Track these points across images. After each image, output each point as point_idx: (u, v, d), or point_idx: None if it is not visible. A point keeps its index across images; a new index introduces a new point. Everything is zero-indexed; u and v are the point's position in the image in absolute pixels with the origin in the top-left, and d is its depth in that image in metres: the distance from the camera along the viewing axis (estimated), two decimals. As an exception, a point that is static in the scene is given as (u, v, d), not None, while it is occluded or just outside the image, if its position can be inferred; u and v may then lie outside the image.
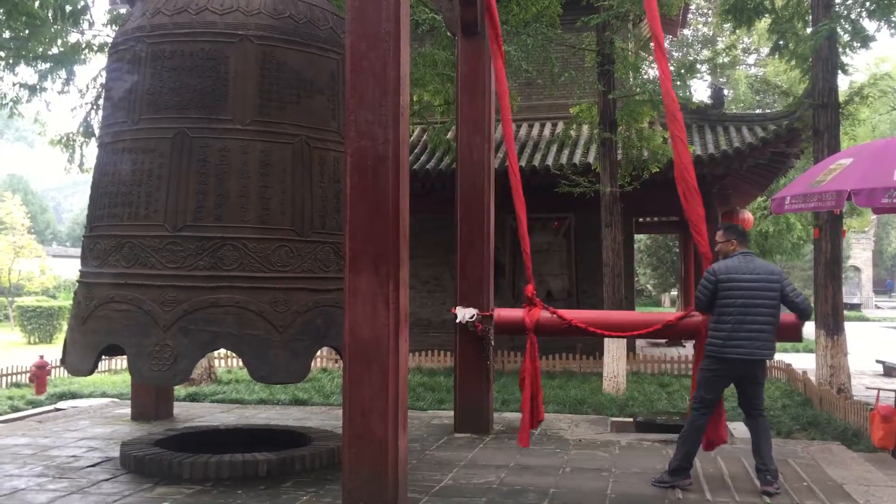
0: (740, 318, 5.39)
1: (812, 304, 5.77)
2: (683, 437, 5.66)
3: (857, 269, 51.79)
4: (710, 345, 5.52)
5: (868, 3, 10.34)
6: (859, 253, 51.57)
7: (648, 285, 38.15)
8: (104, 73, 7.47)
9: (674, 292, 35.53)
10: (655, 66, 14.30)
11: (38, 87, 10.37)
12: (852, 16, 10.62)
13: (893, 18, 10.39)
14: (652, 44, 6.35)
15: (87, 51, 10.63)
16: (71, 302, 6.63)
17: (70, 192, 70.06)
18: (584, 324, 6.16)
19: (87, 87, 11.22)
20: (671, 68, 11.85)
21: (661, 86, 6.14)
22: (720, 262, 5.58)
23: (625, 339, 11.37)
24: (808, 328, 14.34)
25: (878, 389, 8.39)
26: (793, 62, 11.77)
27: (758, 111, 22.92)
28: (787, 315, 5.65)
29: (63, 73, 10.48)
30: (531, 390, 6.32)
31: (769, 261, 27.68)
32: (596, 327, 6.22)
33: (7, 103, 10.75)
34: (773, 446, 5.68)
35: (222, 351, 12.67)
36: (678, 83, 11.89)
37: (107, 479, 5.79)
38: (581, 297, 15.17)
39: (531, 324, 6.29)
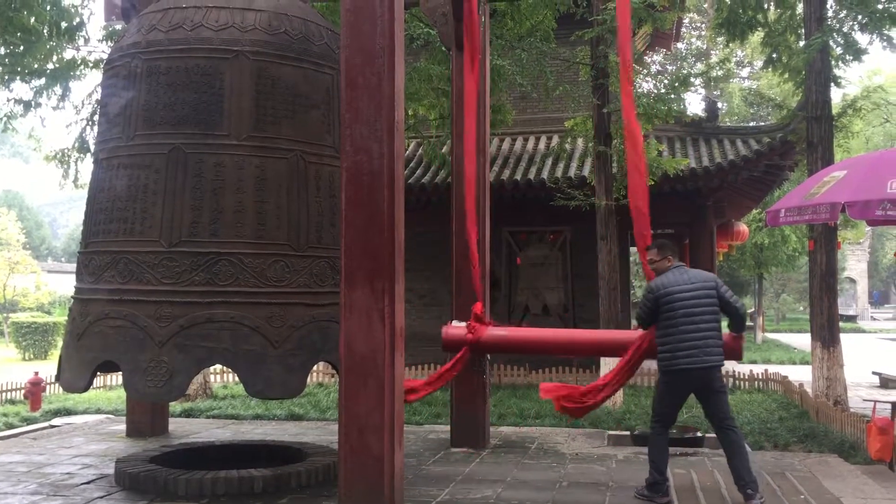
0: (684, 328, 5.46)
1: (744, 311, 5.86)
2: (650, 453, 5.74)
3: (852, 280, 51.94)
4: (661, 359, 5.59)
5: (860, 17, 10.41)
6: (854, 264, 51.73)
7: (644, 298, 38.12)
8: (99, 89, 7.48)
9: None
10: (649, 79, 14.34)
11: (33, 102, 10.38)
12: (845, 29, 10.69)
13: (885, 32, 10.47)
14: (620, 67, 6.38)
15: (82, 66, 10.65)
16: (66, 318, 6.61)
17: (66, 207, 69.99)
18: (528, 341, 6.31)
19: (83, 103, 11.25)
20: (665, 81, 11.91)
21: (623, 113, 6.20)
22: (657, 279, 5.66)
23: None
24: (805, 340, 14.38)
25: (875, 401, 8.38)
26: (786, 75, 11.84)
27: (752, 124, 22.99)
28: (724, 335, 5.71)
29: (58, 89, 10.50)
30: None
31: (765, 273, 27.72)
32: (543, 344, 6.33)
33: (2, 118, 10.75)
34: (770, 459, 5.67)
35: (218, 366, 12.61)
36: (672, 96, 11.95)
37: (101, 497, 5.76)
38: (577, 310, 15.16)
39: (473, 341, 6.42)
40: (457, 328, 6.98)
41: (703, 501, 5.61)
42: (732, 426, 5.61)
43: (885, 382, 14.65)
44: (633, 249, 26.22)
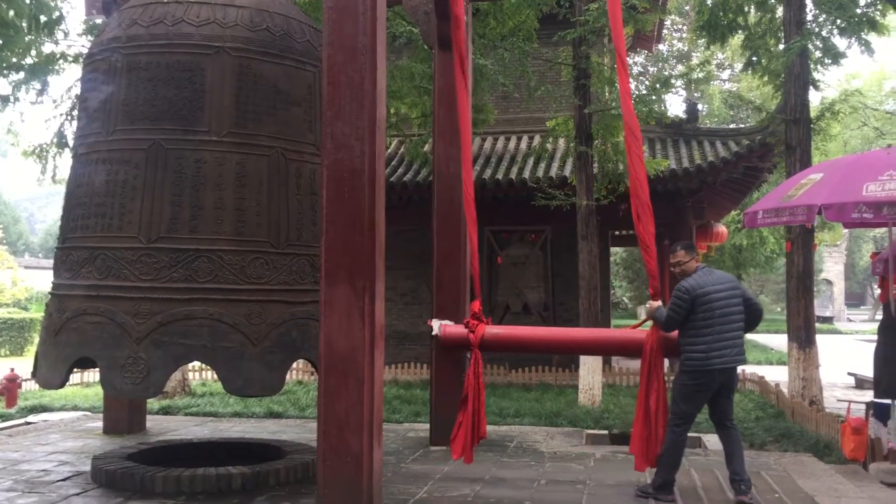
0: (720, 328, 5.47)
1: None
2: (666, 454, 5.63)
3: (829, 282, 52.45)
4: (691, 359, 5.52)
5: (839, 21, 10.51)
6: (832, 266, 52.25)
7: (624, 298, 38.39)
8: (79, 84, 7.42)
9: (649, 305, 35.72)
10: (630, 80, 14.43)
11: (11, 97, 10.27)
12: (823, 33, 10.79)
13: (863, 36, 10.58)
14: (616, 59, 6.37)
15: (61, 61, 10.55)
16: (43, 314, 6.55)
17: (43, 202, 69.40)
18: (528, 340, 6.19)
19: (62, 98, 11.15)
20: (647, 83, 11.98)
21: (622, 101, 6.16)
22: (690, 279, 5.59)
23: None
24: (782, 341, 14.52)
25: (850, 402, 8.48)
26: (765, 78, 11.93)
27: (731, 126, 23.18)
28: None
29: (37, 84, 10.38)
30: (473, 406, 6.24)
31: (743, 274, 28.02)
32: (543, 343, 6.25)
33: (-21, 113, 10.62)
34: (745, 458, 5.73)
35: (196, 363, 12.57)
36: (653, 98, 12.03)
37: (77, 494, 5.72)
38: (558, 309, 15.23)
39: (476, 340, 6.35)
40: (455, 327, 6.92)
41: (678, 500, 5.66)
42: (734, 424, 5.74)
43: (861, 383, 14.81)
44: (613, 249, 26.42)
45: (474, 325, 6.47)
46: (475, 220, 6.78)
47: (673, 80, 13.61)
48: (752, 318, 5.69)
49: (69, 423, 9.14)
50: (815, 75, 11.11)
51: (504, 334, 6.75)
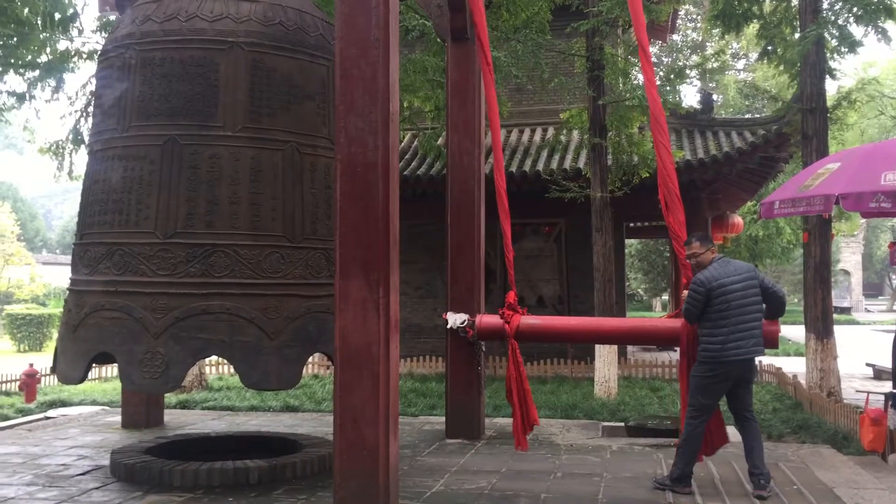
0: (737, 320, 5.43)
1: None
2: (684, 446, 5.63)
3: (846, 272, 52.06)
4: (707, 351, 5.49)
5: (855, 9, 10.40)
6: (849, 256, 51.85)
7: (640, 290, 38.25)
8: (94, 81, 7.45)
9: (665, 297, 35.65)
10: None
11: (27, 94, 10.33)
12: (840, 21, 10.69)
13: (880, 24, 10.47)
14: (639, 50, 6.38)
15: (76, 58, 10.60)
16: (61, 309, 6.61)
17: (60, 199, 69.84)
18: (563, 329, 6.25)
19: (77, 95, 11.21)
20: (661, 73, 11.91)
21: (647, 92, 6.15)
22: (705, 272, 5.54)
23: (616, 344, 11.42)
24: (799, 332, 14.45)
25: (868, 392, 8.42)
26: (781, 67, 11.84)
27: (747, 116, 23.01)
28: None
29: (52, 81, 10.44)
30: (518, 396, 6.37)
31: (759, 265, 27.97)
32: (578, 332, 6.30)
33: (-4, 111, 10.70)
34: (764, 449, 5.70)
35: (213, 358, 12.63)
36: (668, 88, 11.96)
37: (97, 488, 5.77)
38: (572, 302, 15.19)
39: (511, 330, 6.41)
40: (490, 317, 6.97)
41: (696, 492, 5.64)
42: (754, 416, 5.71)
43: (879, 374, 14.71)
44: (628, 241, 26.32)
45: (510, 316, 6.51)
46: (508, 213, 6.84)
47: (687, 71, 13.54)
48: (774, 306, 5.63)
49: (88, 417, 9.22)
50: (832, 64, 11.00)
51: (540, 324, 6.82)
